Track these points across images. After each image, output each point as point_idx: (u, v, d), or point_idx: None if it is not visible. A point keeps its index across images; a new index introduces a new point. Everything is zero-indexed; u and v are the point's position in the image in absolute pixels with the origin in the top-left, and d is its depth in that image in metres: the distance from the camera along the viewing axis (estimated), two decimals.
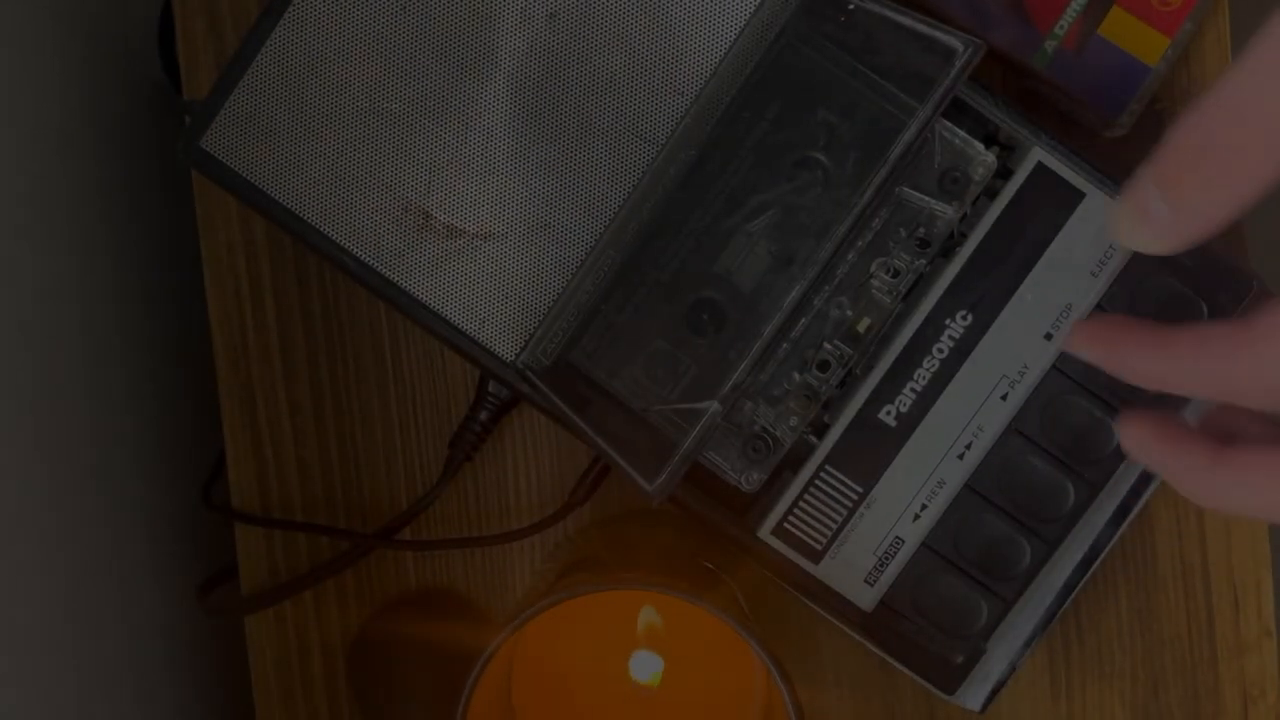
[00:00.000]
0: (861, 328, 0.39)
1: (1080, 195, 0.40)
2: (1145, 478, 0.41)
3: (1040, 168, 0.40)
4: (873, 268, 0.40)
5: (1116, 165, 0.46)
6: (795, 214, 0.38)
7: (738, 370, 0.37)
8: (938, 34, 0.36)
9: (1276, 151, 0.26)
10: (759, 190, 0.38)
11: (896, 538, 0.40)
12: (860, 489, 0.40)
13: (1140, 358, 0.30)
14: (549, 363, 0.39)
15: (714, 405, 0.37)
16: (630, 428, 0.38)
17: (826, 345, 0.39)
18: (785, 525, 0.41)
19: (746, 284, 0.38)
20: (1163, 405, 0.39)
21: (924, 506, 0.40)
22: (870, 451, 0.40)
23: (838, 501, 0.40)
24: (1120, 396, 0.40)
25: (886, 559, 0.41)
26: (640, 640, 0.46)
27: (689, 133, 0.38)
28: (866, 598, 0.41)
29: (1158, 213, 0.28)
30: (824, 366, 0.40)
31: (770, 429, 0.40)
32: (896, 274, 0.40)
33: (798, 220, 0.38)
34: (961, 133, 0.39)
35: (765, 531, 0.41)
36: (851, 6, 0.38)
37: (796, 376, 0.40)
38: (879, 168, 0.36)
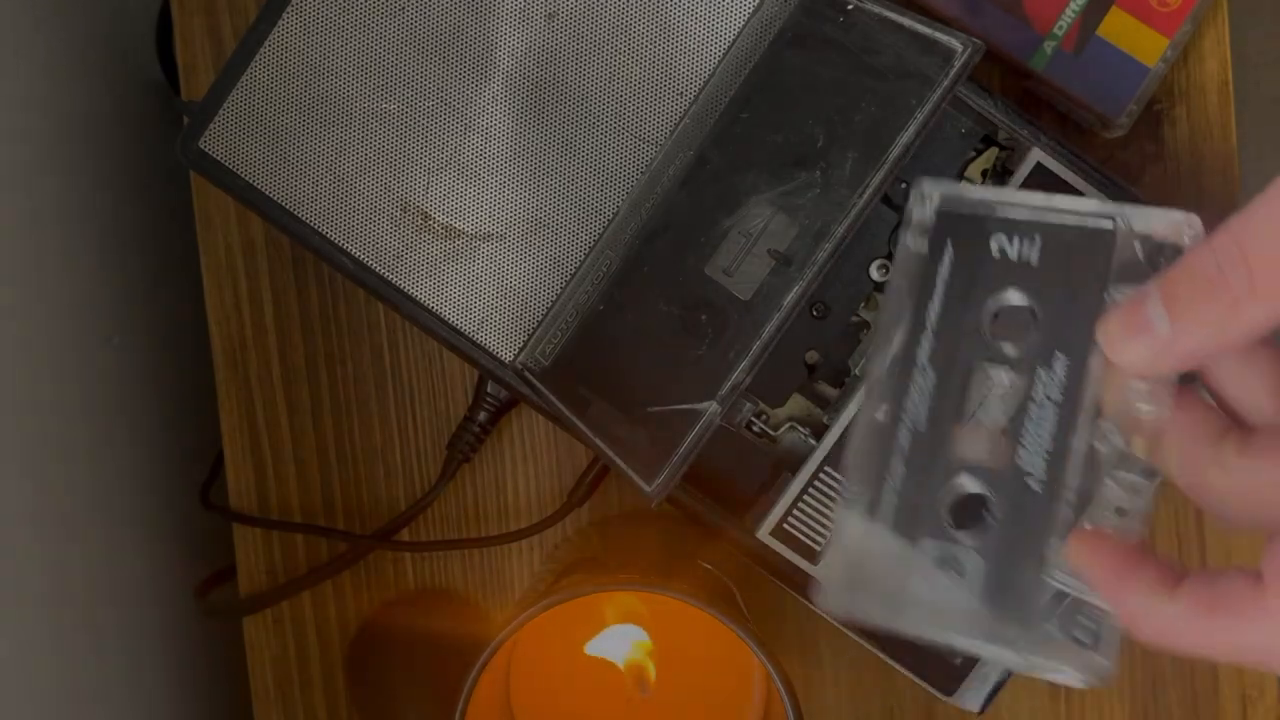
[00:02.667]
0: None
1: (1079, 195, 0.40)
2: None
3: (1039, 168, 0.40)
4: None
5: (1115, 165, 0.46)
6: (794, 215, 0.38)
7: (736, 370, 0.37)
8: (937, 34, 0.36)
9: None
10: (758, 191, 0.38)
11: None
12: None
13: (1141, 600, 0.29)
14: (547, 363, 0.39)
15: (713, 406, 0.37)
16: (629, 428, 0.38)
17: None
18: (784, 526, 0.41)
19: (745, 285, 0.38)
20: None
21: None
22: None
23: (837, 502, 0.40)
24: None
25: None
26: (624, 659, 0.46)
27: (687, 133, 0.38)
28: None
29: (1159, 329, 0.28)
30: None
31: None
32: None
33: (796, 221, 0.38)
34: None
35: (764, 532, 0.41)
36: (850, 6, 0.38)
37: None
38: (877, 168, 0.36)
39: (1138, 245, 0.31)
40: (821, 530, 0.41)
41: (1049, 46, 0.44)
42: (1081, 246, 0.31)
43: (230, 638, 0.51)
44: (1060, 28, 0.43)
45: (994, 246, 0.32)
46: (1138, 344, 0.28)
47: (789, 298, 0.37)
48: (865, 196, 0.37)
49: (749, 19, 0.39)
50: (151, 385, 0.53)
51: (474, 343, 0.40)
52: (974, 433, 0.32)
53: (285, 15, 0.39)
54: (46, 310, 0.45)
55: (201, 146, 0.39)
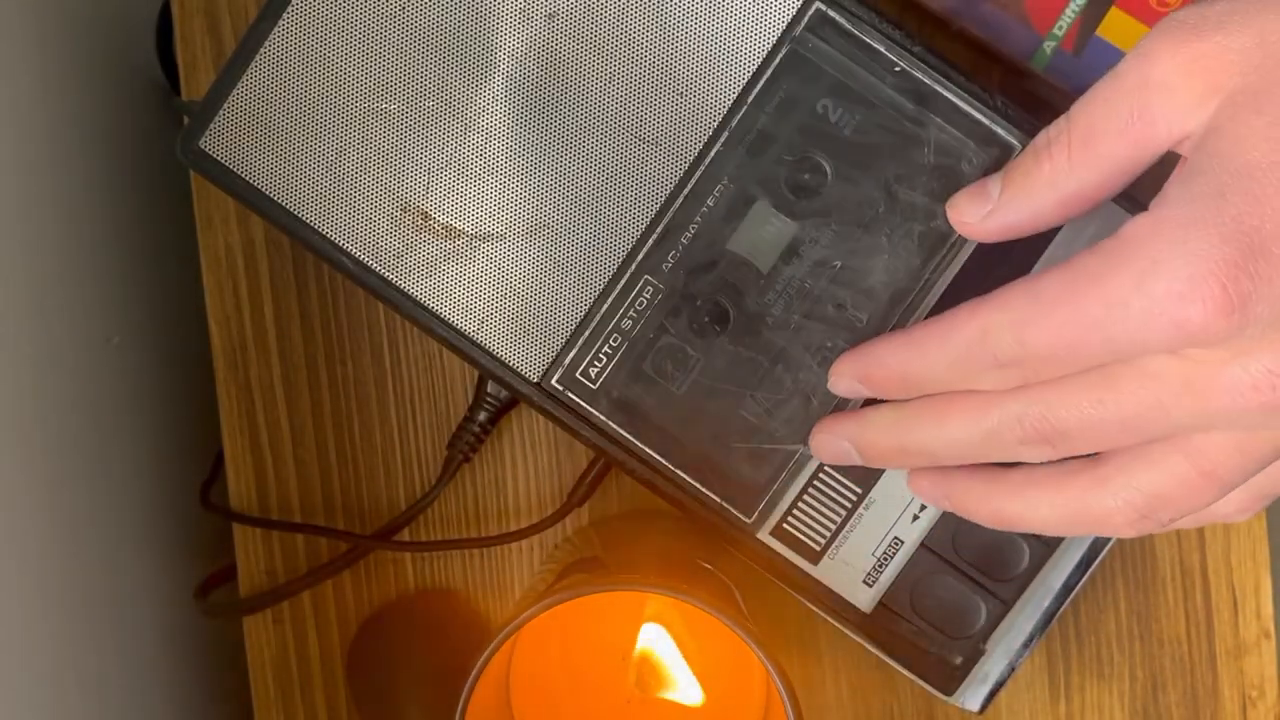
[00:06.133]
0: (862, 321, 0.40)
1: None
2: None
3: None
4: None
5: None
6: (860, 273, 0.39)
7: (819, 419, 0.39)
8: (994, 126, 0.38)
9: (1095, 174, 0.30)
10: (818, 244, 0.39)
11: (895, 538, 0.40)
12: (859, 490, 0.40)
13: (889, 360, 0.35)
14: (594, 386, 0.40)
15: (803, 449, 0.39)
16: (709, 463, 0.40)
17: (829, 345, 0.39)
18: (784, 526, 0.41)
19: (811, 341, 0.39)
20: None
21: (923, 507, 0.40)
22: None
23: (836, 502, 0.40)
24: None
25: (885, 560, 0.41)
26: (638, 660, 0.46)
27: (724, 161, 0.39)
28: (865, 598, 0.41)
29: (992, 194, 0.32)
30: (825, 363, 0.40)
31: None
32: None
33: (864, 280, 0.39)
34: (951, 129, 0.39)
35: (764, 532, 0.41)
36: (899, 69, 0.38)
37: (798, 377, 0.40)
38: (944, 253, 0.38)
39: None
40: (821, 530, 0.41)
41: (1049, 46, 0.44)
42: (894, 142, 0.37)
43: (230, 638, 0.51)
44: (1060, 28, 0.43)
45: (819, 107, 0.37)
46: (973, 207, 0.33)
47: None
48: (933, 269, 0.38)
49: (747, 20, 0.39)
50: (151, 385, 0.53)
51: (474, 343, 0.40)
52: (738, 255, 0.38)
53: (285, 15, 0.39)
54: (46, 310, 0.45)
55: (201, 146, 0.39)
